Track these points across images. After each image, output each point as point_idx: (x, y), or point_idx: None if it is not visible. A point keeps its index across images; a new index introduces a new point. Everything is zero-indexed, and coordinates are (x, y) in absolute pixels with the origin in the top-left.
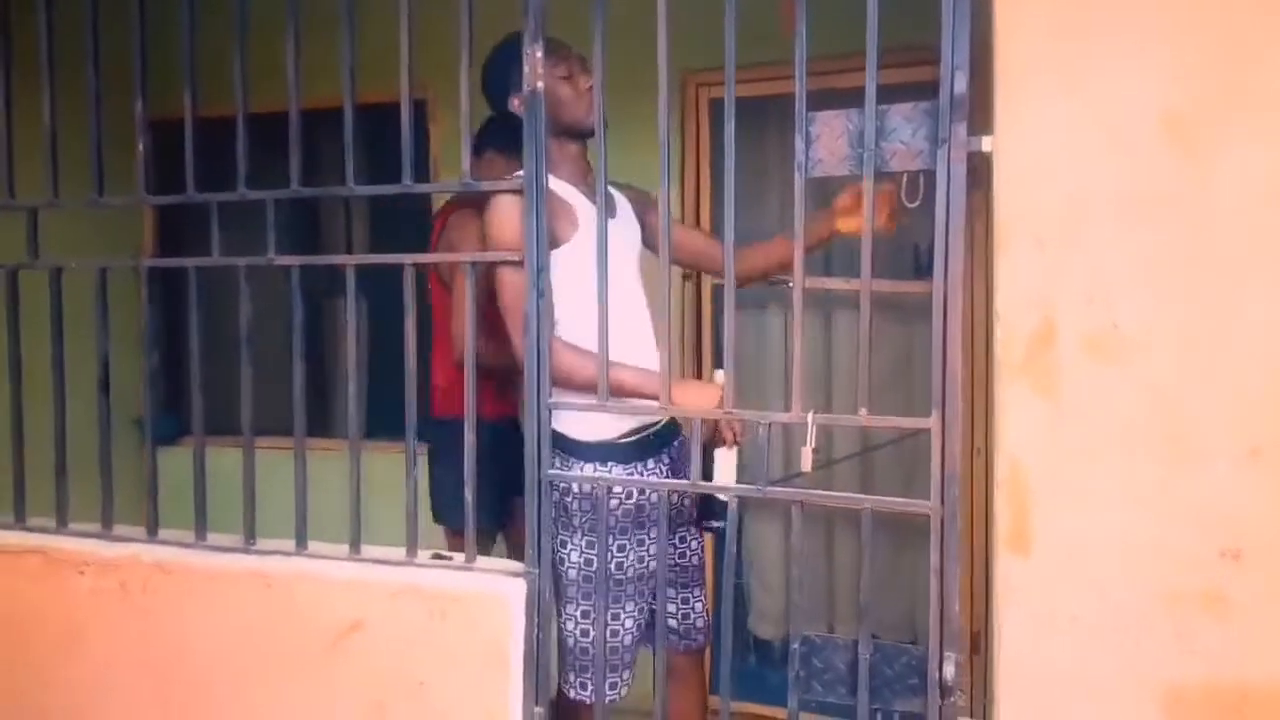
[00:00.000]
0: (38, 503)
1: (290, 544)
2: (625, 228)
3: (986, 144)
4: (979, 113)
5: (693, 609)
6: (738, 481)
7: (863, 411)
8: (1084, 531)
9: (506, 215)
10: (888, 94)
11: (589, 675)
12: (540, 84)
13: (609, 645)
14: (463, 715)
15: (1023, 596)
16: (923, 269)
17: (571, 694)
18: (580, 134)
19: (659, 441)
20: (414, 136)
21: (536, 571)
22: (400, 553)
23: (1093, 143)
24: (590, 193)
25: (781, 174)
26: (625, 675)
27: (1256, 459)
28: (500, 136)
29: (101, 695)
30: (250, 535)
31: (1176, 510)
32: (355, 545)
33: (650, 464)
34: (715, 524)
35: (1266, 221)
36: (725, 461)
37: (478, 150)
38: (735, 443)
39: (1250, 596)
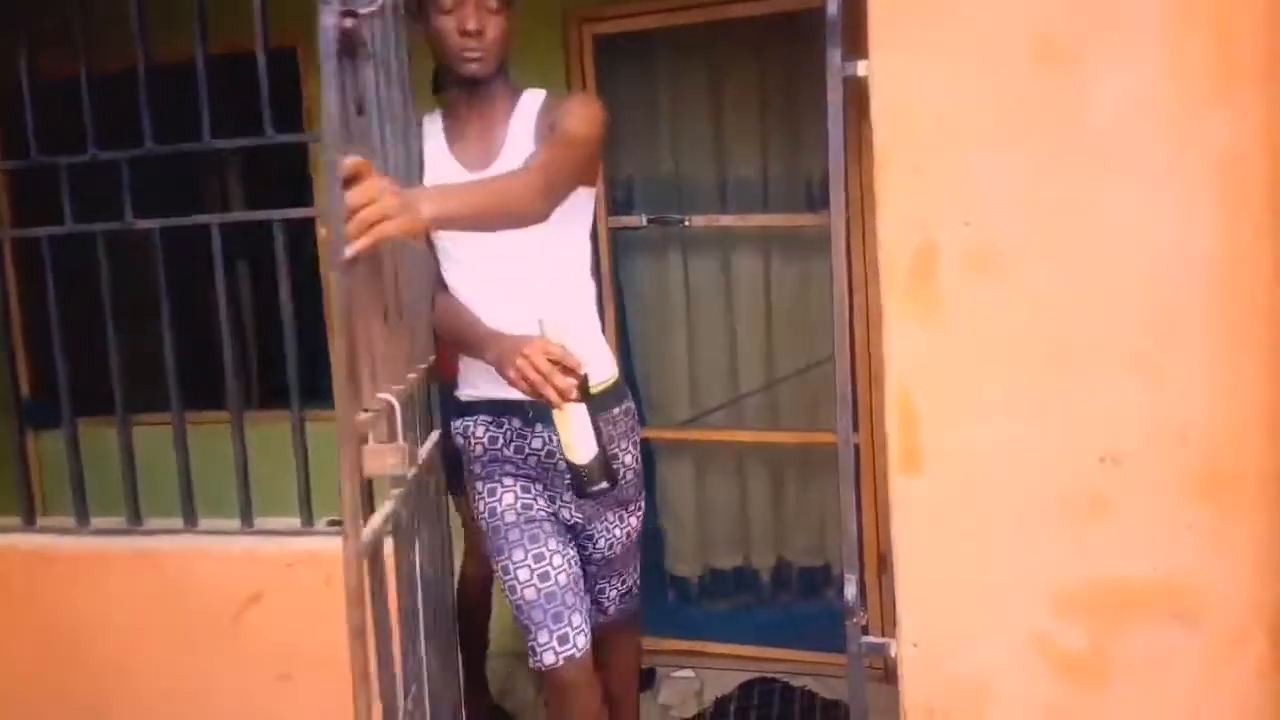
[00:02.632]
0: None
1: (179, 522)
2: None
3: (862, 69)
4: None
5: (604, 594)
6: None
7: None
8: (971, 447)
9: None
10: (751, 23)
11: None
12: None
13: (545, 592)
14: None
15: (916, 515)
16: (815, 202)
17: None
18: (460, 82)
19: (537, 411)
20: (284, 88)
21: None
22: (295, 523)
23: (965, 65)
24: (481, 147)
25: (673, 109)
26: (575, 620)
27: (1133, 367)
28: None
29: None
30: (135, 516)
31: (1059, 420)
32: (247, 518)
33: (516, 424)
34: (600, 487)
35: (1134, 136)
36: (561, 422)
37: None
38: (566, 401)
39: (1129, 499)
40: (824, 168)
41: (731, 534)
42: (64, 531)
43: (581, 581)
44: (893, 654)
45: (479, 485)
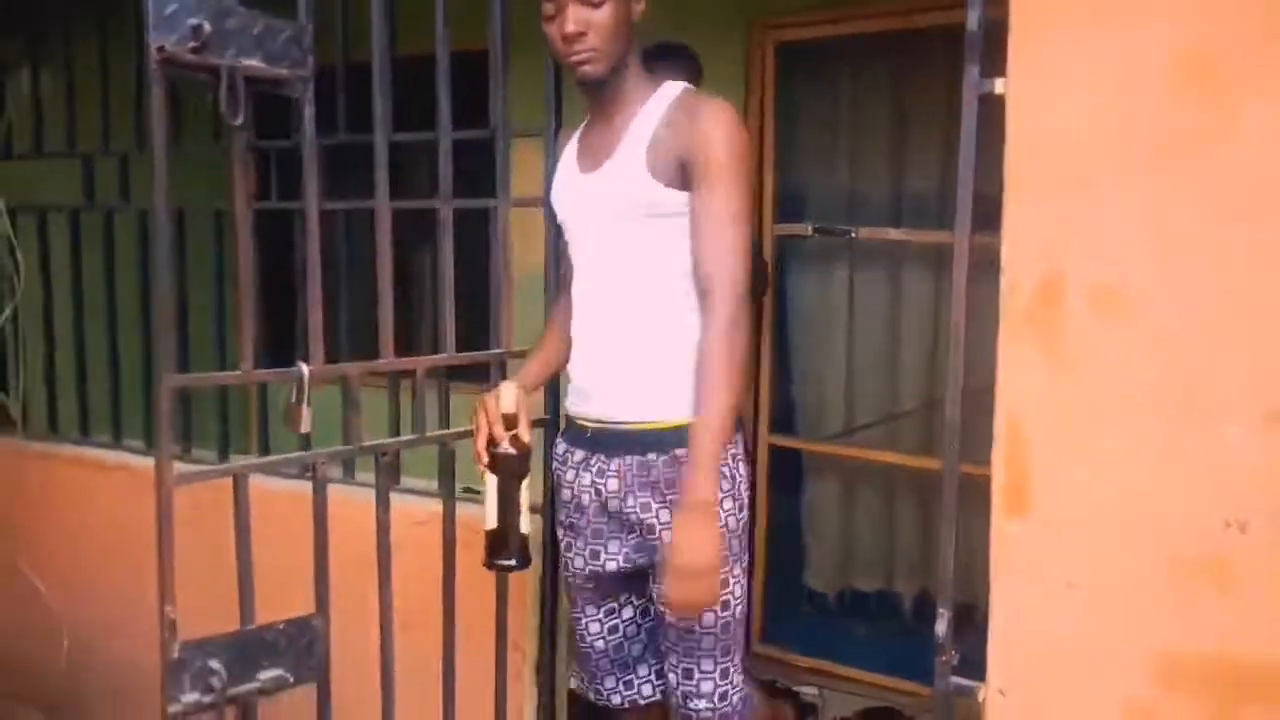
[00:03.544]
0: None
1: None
2: (604, 185)
3: (999, 86)
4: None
5: (689, 679)
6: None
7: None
8: (1085, 493)
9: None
10: (939, 34)
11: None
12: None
13: (579, 649)
14: (482, 638)
15: (1018, 559)
16: (993, 222)
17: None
18: (580, 83)
19: (596, 439)
20: (477, 86)
21: (545, 509)
22: (432, 484)
23: (1106, 88)
24: (599, 146)
25: (853, 122)
26: (609, 683)
27: (1272, 426)
28: (667, 57)
29: (182, 596)
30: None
31: (1183, 475)
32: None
33: (579, 455)
34: (503, 561)
35: None
36: (489, 489)
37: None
38: (478, 462)
39: (1255, 570)
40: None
41: (875, 556)
42: (247, 469)
43: (629, 642)
44: (980, 698)
45: (557, 527)
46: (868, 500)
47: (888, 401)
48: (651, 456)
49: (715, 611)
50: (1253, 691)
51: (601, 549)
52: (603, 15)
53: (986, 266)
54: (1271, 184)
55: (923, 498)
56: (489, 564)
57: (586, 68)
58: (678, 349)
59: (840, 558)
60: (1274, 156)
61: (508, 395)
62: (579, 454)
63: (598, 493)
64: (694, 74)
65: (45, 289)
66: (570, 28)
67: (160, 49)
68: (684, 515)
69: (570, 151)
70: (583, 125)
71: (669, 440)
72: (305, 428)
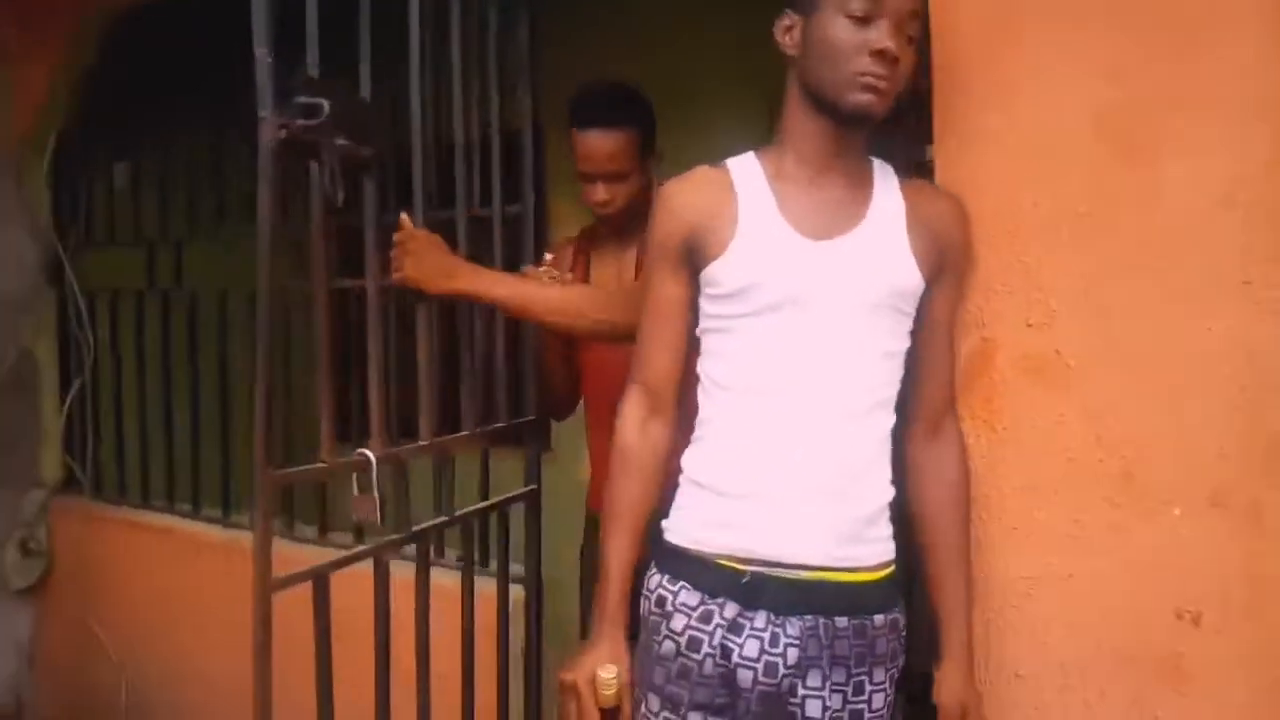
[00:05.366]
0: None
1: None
2: (852, 261)
3: (930, 153)
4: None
5: None
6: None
7: None
8: (1027, 577)
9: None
10: None
11: None
12: None
13: None
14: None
15: None
16: None
17: None
18: (835, 113)
19: (758, 589)
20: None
21: (535, 580)
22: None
23: (1029, 152)
24: (826, 210)
25: None
26: None
27: (1217, 508)
28: (627, 110)
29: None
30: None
31: (1128, 560)
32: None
33: (730, 612)
34: None
35: (1221, 230)
36: None
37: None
38: None
39: (1211, 666)
40: None
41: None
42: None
43: None
44: None
45: (654, 708)
46: None
47: None
48: (842, 622)
49: None
50: None
51: None
52: (913, 54)
53: None
54: (1199, 244)
55: None
56: None
57: (872, 98)
58: (887, 475)
59: None
60: (1197, 218)
61: (609, 684)
62: (730, 608)
63: (769, 670)
64: (650, 127)
65: (115, 366)
66: (890, 44)
67: (283, 126)
68: (970, 672)
69: (762, 209)
70: (755, 172)
71: (870, 597)
72: (377, 516)
